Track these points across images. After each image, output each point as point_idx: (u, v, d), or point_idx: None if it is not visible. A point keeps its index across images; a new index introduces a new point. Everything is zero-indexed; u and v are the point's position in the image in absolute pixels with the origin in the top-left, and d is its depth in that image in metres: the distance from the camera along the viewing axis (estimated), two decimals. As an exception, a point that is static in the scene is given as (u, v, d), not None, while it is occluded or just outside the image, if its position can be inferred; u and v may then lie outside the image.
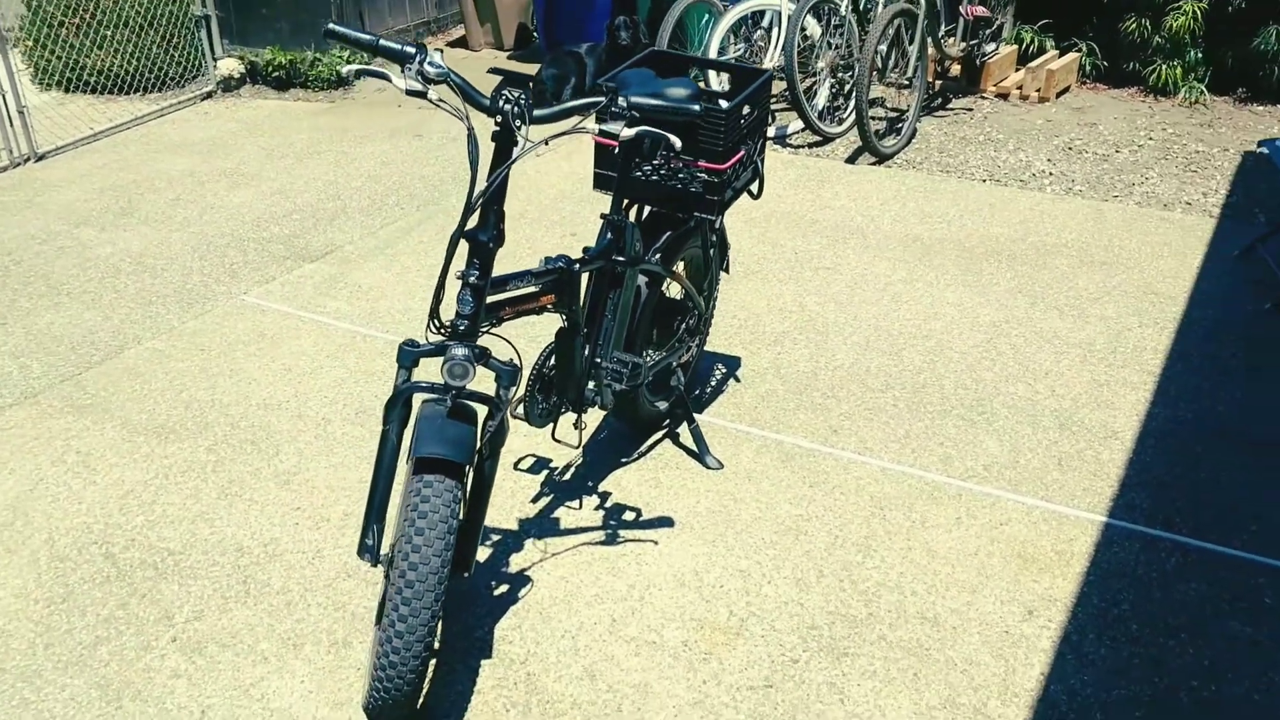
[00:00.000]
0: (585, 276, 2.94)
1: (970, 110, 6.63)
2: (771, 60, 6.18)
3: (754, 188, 3.34)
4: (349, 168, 6.01)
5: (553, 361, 2.96)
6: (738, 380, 3.85)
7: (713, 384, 3.83)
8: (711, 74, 5.99)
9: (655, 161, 3.10)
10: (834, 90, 6.30)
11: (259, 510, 3.23)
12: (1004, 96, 6.79)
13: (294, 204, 5.52)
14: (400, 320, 4.31)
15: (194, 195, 5.70)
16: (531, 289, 2.68)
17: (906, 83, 6.16)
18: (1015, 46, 7.06)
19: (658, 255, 3.14)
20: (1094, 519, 3.13)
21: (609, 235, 2.94)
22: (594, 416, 3.64)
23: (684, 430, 3.52)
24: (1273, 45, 6.46)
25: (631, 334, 3.12)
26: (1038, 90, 6.71)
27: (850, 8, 6.10)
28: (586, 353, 2.97)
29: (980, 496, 3.23)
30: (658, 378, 3.40)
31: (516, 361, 2.49)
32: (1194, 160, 5.87)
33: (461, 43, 8.52)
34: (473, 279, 2.39)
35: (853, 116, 6.31)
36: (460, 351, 2.32)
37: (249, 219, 5.35)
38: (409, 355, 2.43)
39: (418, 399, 2.42)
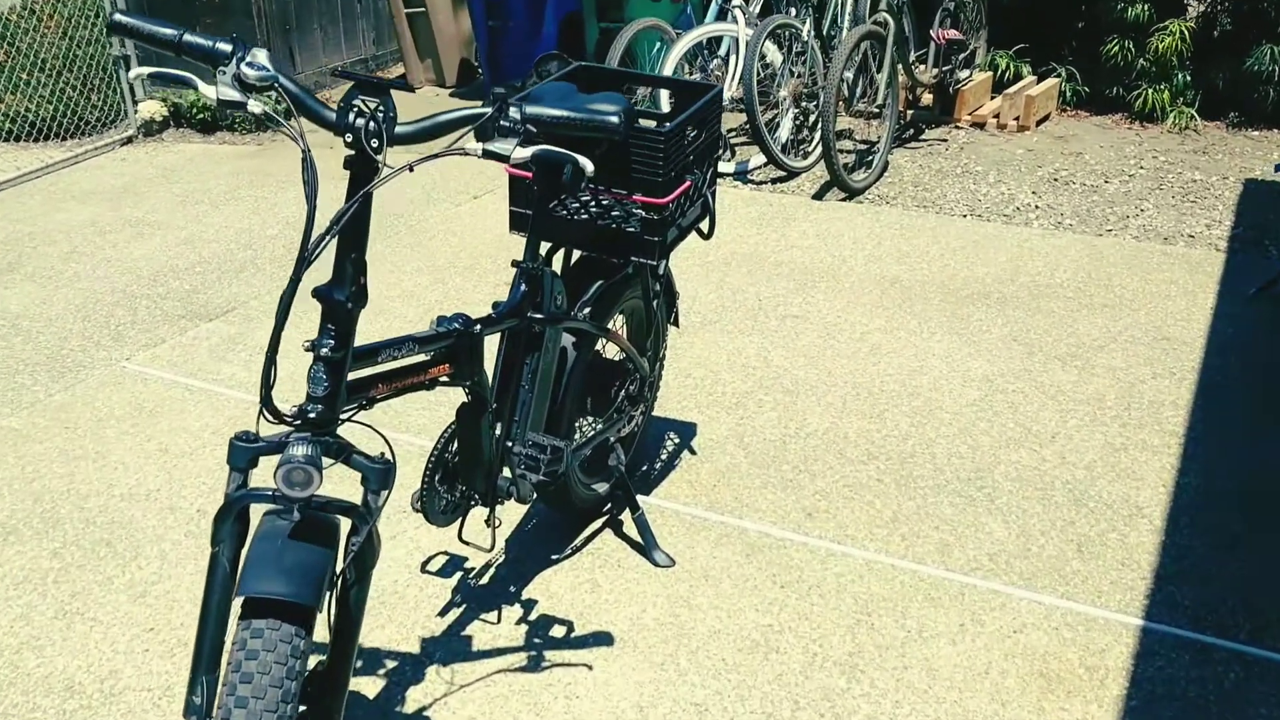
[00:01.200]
0: (495, 337, 2.37)
1: (945, 141, 6.14)
2: (730, 90, 5.67)
3: (704, 225, 2.78)
4: (267, 214, 5.43)
5: (455, 446, 2.37)
6: (693, 452, 3.27)
7: (663, 457, 3.25)
8: (662, 95, 5.47)
9: (582, 196, 2.54)
10: (798, 122, 5.80)
11: (102, 633, 2.61)
12: (980, 126, 6.31)
13: (200, 255, 4.92)
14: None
15: (91, 248, 5.09)
16: (418, 358, 2.10)
17: (875, 111, 5.67)
18: (990, 73, 6.59)
19: (587, 310, 2.57)
20: (1128, 622, 2.56)
21: (523, 287, 2.37)
22: (516, 507, 3.05)
23: (627, 518, 2.94)
24: (1267, 65, 6.02)
25: (556, 409, 2.54)
26: (1016, 118, 6.24)
27: (813, 33, 5.61)
28: (497, 434, 2.39)
29: (987, 595, 2.66)
30: (594, 456, 2.81)
31: (389, 456, 1.90)
32: (1191, 190, 5.39)
33: (402, 79, 7.99)
34: (325, 350, 1.81)
35: (819, 149, 5.81)
36: (300, 451, 1.73)
37: (146, 273, 4.74)
38: (243, 453, 1.84)
39: (257, 511, 1.82)
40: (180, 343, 4.08)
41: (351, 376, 1.87)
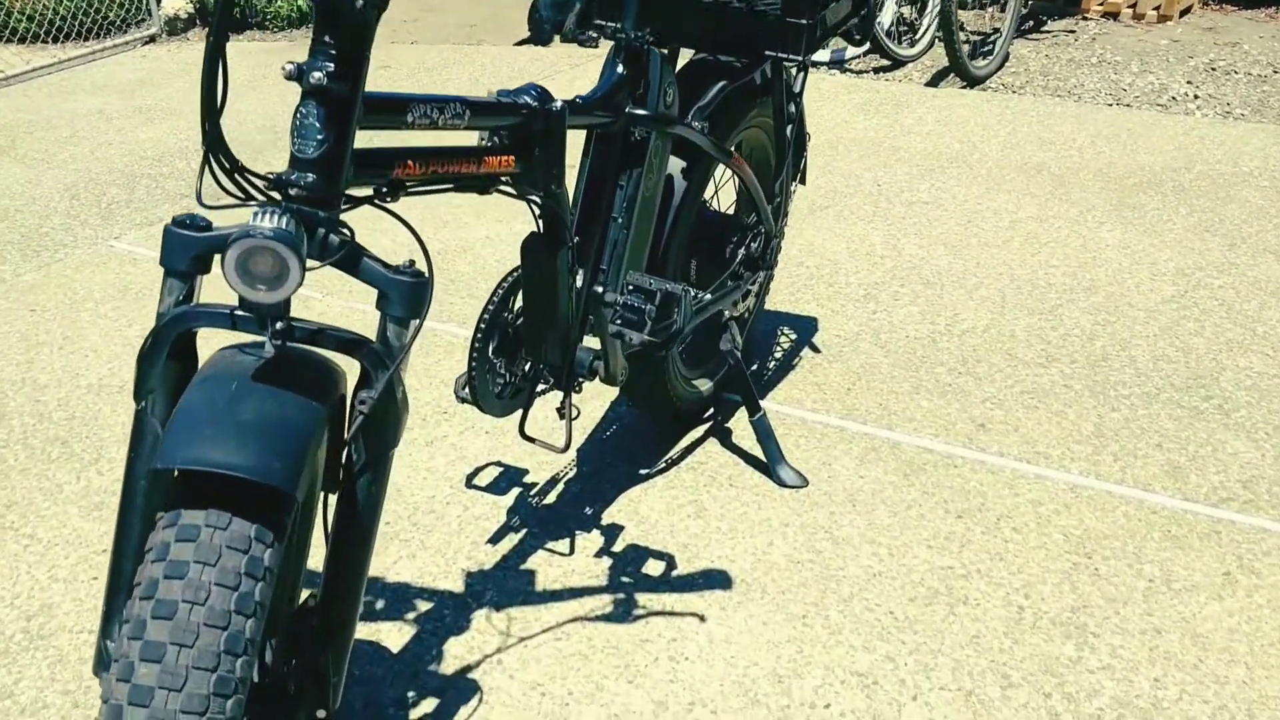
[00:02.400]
0: (576, 142, 1.64)
1: (1072, 32, 5.30)
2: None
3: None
4: (292, 100, 4.71)
5: (518, 300, 1.66)
6: (816, 350, 2.54)
7: (777, 356, 2.52)
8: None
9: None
10: (901, 4, 4.99)
11: (38, 554, 1.94)
12: (1113, 16, 5.46)
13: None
14: (326, 274, 3.01)
15: (93, 132, 4.42)
16: (467, 138, 1.38)
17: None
18: (1121, -40, 5.72)
19: (704, 121, 1.82)
20: None
21: (619, 68, 1.63)
22: (595, 396, 2.33)
23: (740, 424, 2.22)
24: None
25: (658, 255, 1.81)
26: (1157, 8, 5.39)
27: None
28: (579, 279, 1.66)
29: (1253, 535, 1.91)
30: (698, 336, 2.09)
31: (422, 266, 1.19)
32: (1378, 81, 4.53)
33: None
34: (320, 78, 1.09)
35: (927, 36, 5.00)
36: (268, 223, 1.02)
37: (151, 155, 4.06)
38: (185, 247, 1.13)
39: (209, 348, 1.12)
40: (181, 223, 3.39)
41: (364, 141, 1.16)
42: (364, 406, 1.13)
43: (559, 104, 1.44)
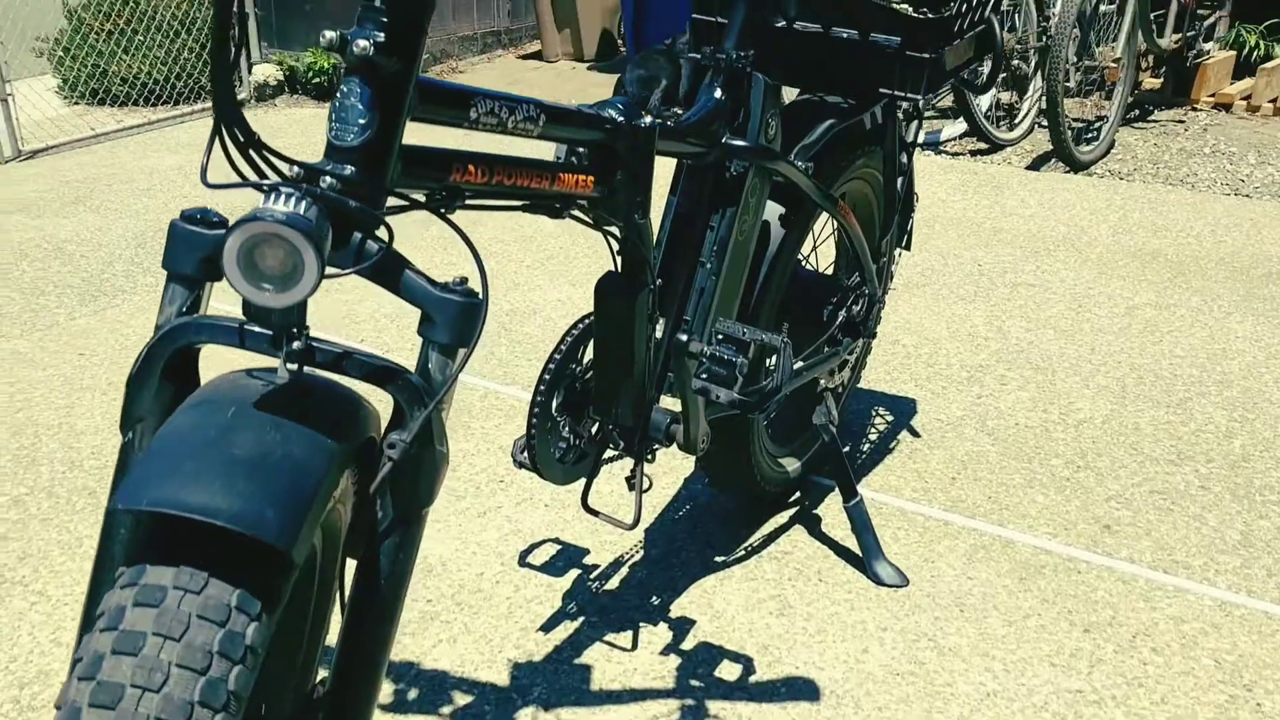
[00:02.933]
0: (664, 173, 1.44)
1: (1181, 122, 5.05)
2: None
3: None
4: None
5: (589, 349, 1.45)
6: (915, 434, 2.29)
7: (873, 439, 2.27)
8: None
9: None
10: (1003, 84, 4.79)
11: (44, 614, 1.75)
12: (1225, 108, 5.20)
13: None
14: (384, 326, 2.85)
15: (169, 187, 4.38)
16: (539, 157, 1.18)
17: (1094, 82, 4.62)
18: (1232, 52, 5.48)
19: (808, 162, 1.62)
20: None
21: (718, 92, 1.44)
22: (667, 470, 2.10)
23: (832, 511, 1.97)
24: None
25: (748, 304, 1.59)
26: (1273, 101, 5.12)
27: (1030, -18, 4.61)
28: (659, 329, 1.45)
29: None
30: (787, 409, 1.86)
31: (475, 286, 0.98)
32: None
33: (536, 56, 7.24)
34: (366, 46, 0.90)
35: (1028, 119, 4.79)
36: (281, 206, 0.82)
37: (226, 209, 3.96)
38: (191, 246, 0.94)
39: (213, 369, 0.92)
40: (244, 274, 3.26)
41: (416, 138, 0.96)
42: (394, 452, 0.92)
43: (649, 121, 1.24)
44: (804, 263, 1.90)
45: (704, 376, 1.40)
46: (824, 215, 1.78)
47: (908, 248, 2.07)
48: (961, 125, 4.71)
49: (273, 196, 0.82)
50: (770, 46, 1.63)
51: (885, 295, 1.99)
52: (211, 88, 0.85)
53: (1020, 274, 3.19)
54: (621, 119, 1.22)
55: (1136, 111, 5.22)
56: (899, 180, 1.84)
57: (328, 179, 0.90)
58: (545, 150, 1.24)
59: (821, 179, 1.65)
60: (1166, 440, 2.27)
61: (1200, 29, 5.13)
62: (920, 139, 4.74)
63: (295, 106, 6.32)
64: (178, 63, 6.18)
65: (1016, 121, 4.80)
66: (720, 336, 1.40)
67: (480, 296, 0.96)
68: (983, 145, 4.64)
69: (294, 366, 0.86)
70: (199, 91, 6.27)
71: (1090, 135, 4.59)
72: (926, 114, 5.14)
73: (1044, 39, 4.48)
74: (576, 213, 1.24)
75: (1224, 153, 4.56)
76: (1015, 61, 4.69)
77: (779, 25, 1.65)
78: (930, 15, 1.56)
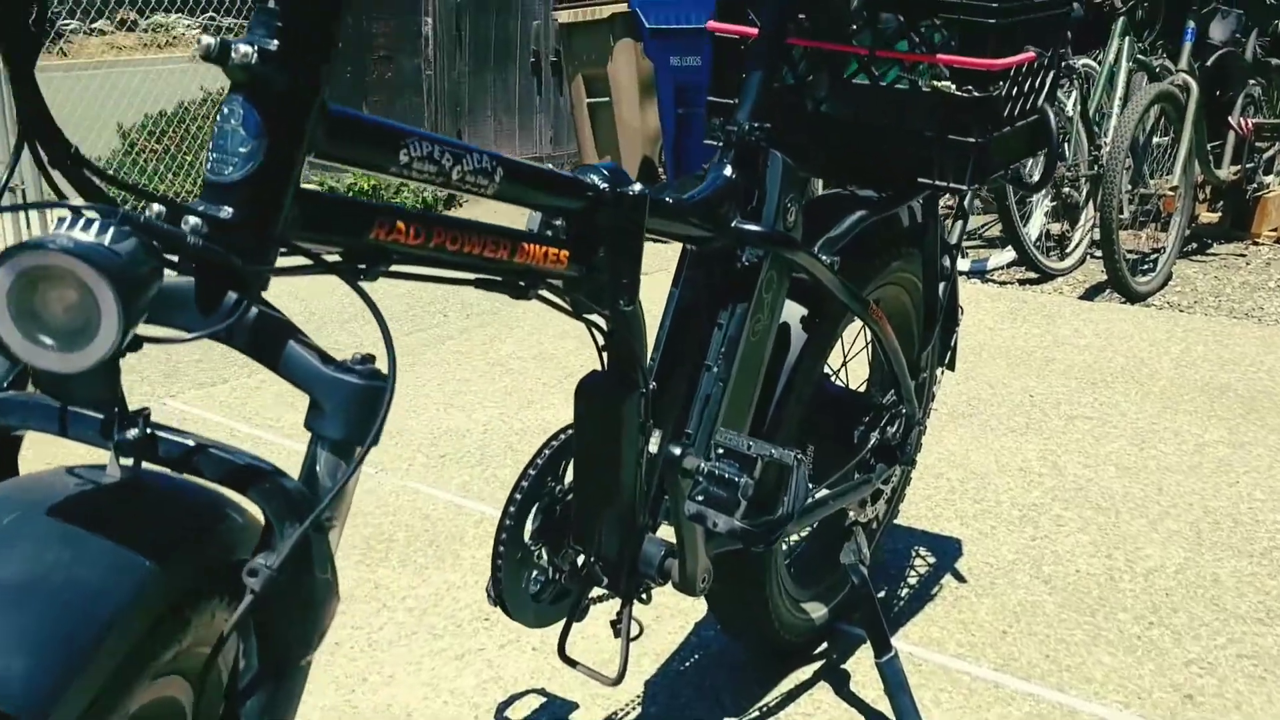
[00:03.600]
0: (657, 269, 1.24)
1: (1242, 256, 4.82)
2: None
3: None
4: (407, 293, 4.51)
5: (568, 467, 1.22)
6: (961, 580, 2.01)
7: (912, 583, 2.00)
8: None
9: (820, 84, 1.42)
10: (1053, 214, 4.61)
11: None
12: (1289, 242, 4.97)
13: (320, 304, 3.97)
14: (384, 444, 2.64)
15: (189, 296, 4.25)
16: (501, 220, 0.98)
17: (1149, 211, 4.42)
18: (1293, 187, 5.27)
19: (835, 257, 1.40)
20: None
21: (727, 169, 1.24)
22: (675, 613, 1.84)
23: (862, 666, 1.70)
24: None
25: (764, 419, 1.36)
26: (1339, 236, 4.88)
27: (1078, 107, 4.46)
28: (654, 442, 1.21)
29: None
30: (812, 545, 1.61)
31: (377, 364, 0.76)
32: None
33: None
34: (252, 57, 0.70)
35: (1079, 251, 4.58)
36: (80, 234, 0.61)
37: (237, 319, 3.82)
38: None
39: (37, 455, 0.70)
40: (247, 384, 3.09)
41: (309, 178, 0.76)
42: (255, 581, 0.69)
43: (638, 190, 1.04)
44: (833, 378, 1.68)
45: (700, 499, 1.16)
46: (855, 328, 1.56)
47: (951, 366, 1.83)
48: (1010, 254, 4.51)
49: (72, 219, 0.61)
50: (791, 129, 1.44)
51: (926, 417, 1.75)
52: (11, 86, 0.65)
53: (1076, 406, 2.93)
54: (605, 185, 1.02)
55: (1194, 245, 4.99)
56: (941, 287, 1.62)
57: (193, 220, 0.69)
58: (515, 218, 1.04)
59: (851, 279, 1.43)
60: (1252, 595, 1.97)
61: (1260, 161, 4.94)
62: (966, 267, 4.59)
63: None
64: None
65: (1068, 251, 4.59)
66: (721, 450, 1.17)
67: (386, 380, 0.74)
68: (1032, 275, 4.43)
69: (128, 461, 0.65)
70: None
71: (1146, 267, 4.37)
72: (973, 242, 4.95)
73: (1095, 167, 4.31)
74: (550, 295, 1.03)
75: (1290, 287, 4.31)
76: (1066, 189, 4.51)
77: (799, 106, 1.46)
78: (976, 94, 1.36)
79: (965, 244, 4.81)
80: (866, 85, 1.45)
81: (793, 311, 1.42)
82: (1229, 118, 4.72)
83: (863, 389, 1.79)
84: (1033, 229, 4.52)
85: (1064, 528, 2.23)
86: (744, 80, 1.27)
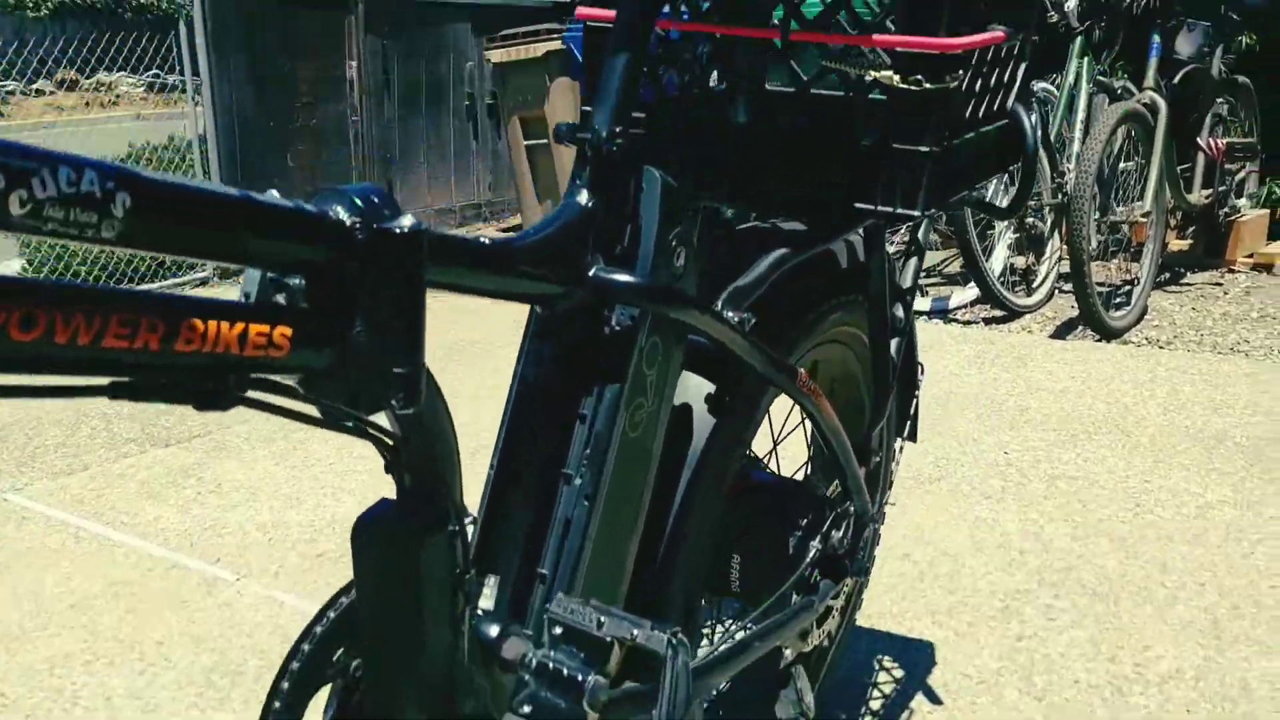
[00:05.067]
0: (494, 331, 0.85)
1: (1219, 284, 4.52)
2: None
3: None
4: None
5: (355, 640, 0.83)
6: (935, 700, 1.63)
7: (875, 709, 1.62)
8: None
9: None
10: (1015, 247, 4.30)
11: None
12: (1266, 269, 4.68)
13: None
14: (254, 542, 2.24)
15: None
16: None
17: (1119, 240, 4.11)
18: (1266, 210, 5.01)
19: (747, 313, 1.03)
20: None
21: (582, 196, 0.87)
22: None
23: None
24: None
25: (658, 543, 0.98)
26: (1318, 261, 4.60)
27: (1038, 132, 4.14)
28: (482, 601, 0.82)
29: None
30: (739, 691, 1.23)
31: None
32: None
33: (518, 229, 6.84)
34: None
35: (1046, 286, 4.27)
36: None
37: (120, 391, 3.41)
38: None
39: None
40: (108, 472, 2.67)
41: None
42: None
43: (410, 226, 0.66)
44: (761, 463, 1.30)
45: (525, 709, 0.78)
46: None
47: (913, 438, 1.47)
48: (973, 291, 4.19)
49: None
50: (682, 139, 1.08)
51: (883, 510, 1.38)
52: None
53: (1057, 464, 2.57)
54: (354, 219, 0.64)
55: (1167, 274, 4.70)
56: (894, 343, 1.26)
57: None
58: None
59: (773, 342, 1.06)
60: (1292, 705, 1.61)
61: (1231, 184, 4.66)
62: (926, 307, 4.25)
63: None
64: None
65: (1034, 286, 4.27)
66: (560, 630, 0.79)
67: None
68: (998, 312, 4.11)
69: None
70: (159, 270, 5.87)
71: (1120, 300, 4.05)
72: (932, 279, 4.63)
73: (1059, 195, 4.00)
74: (273, 399, 0.65)
75: (1274, 317, 4.00)
76: (1030, 220, 4.19)
77: (692, 108, 1.09)
78: (928, 86, 1.00)
79: (923, 282, 4.50)
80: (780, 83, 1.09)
81: (694, 388, 1.05)
82: (1198, 139, 4.43)
83: (802, 471, 1.42)
84: (996, 263, 4.20)
85: (1056, 621, 1.85)
86: (601, 72, 0.91)
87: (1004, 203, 1.45)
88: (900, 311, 1.26)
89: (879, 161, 1.04)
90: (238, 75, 6.10)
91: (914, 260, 1.29)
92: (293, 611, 1.96)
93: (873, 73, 1.02)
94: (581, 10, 1.13)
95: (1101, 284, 4.09)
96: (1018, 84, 1.21)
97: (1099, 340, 3.73)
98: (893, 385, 1.28)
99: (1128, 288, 4.09)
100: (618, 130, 0.86)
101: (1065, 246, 3.80)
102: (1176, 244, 4.97)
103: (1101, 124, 3.73)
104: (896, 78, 1.02)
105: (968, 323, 4.02)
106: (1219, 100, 4.50)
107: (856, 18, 1.04)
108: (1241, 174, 4.75)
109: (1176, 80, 4.14)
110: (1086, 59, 4.14)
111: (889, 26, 1.03)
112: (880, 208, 1.05)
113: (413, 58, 6.45)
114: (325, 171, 6.11)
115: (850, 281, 1.22)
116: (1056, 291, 4.26)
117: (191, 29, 5.86)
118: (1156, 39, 4.07)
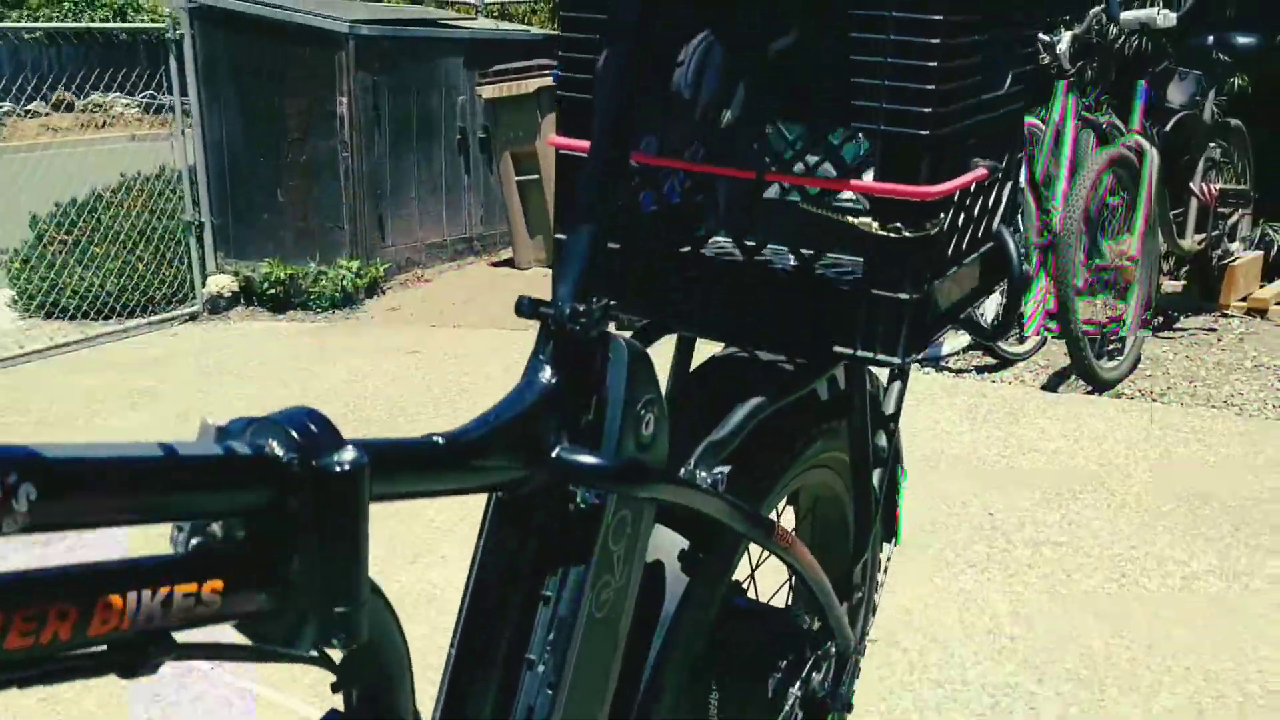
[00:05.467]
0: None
1: (1213, 330, 4.50)
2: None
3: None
4: (298, 386, 4.12)
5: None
6: (921, 807, 1.60)
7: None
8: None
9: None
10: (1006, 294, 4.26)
11: None
12: (1259, 313, 4.66)
13: (189, 428, 3.55)
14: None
15: (70, 417, 3.88)
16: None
17: (1108, 283, 4.09)
18: (1259, 253, 4.99)
19: (719, 466, 1.00)
20: None
21: (543, 373, 0.84)
22: None
23: None
24: None
25: (629, 709, 0.95)
26: (1311, 304, 4.59)
27: (1023, 176, 4.12)
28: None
29: None
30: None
31: None
32: None
33: (509, 263, 6.82)
34: None
35: (1041, 331, 4.25)
36: None
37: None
38: None
39: None
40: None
41: None
42: None
43: (352, 460, 0.63)
44: (740, 588, 1.27)
45: None
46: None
47: (896, 539, 1.44)
48: (964, 338, 4.17)
49: None
50: (652, 280, 1.06)
51: (868, 628, 1.35)
52: None
53: (1043, 528, 2.55)
54: (290, 454, 0.61)
55: (1160, 318, 4.68)
56: (876, 475, 1.23)
57: None
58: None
59: (749, 488, 1.03)
60: (1284, 815, 1.58)
61: (1225, 228, 4.65)
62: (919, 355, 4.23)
63: (250, 319, 5.90)
64: (129, 275, 5.79)
65: (1026, 334, 4.25)
66: None
67: None
68: (990, 360, 4.08)
69: None
70: (148, 304, 5.84)
71: (1112, 348, 4.02)
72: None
73: (1045, 235, 3.97)
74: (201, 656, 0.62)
75: (1268, 367, 3.98)
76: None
77: (665, 241, 1.07)
78: (908, 234, 0.98)
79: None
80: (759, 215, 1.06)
81: (666, 542, 1.02)
82: (1190, 184, 4.42)
83: (783, 604, 1.39)
84: (987, 311, 4.18)
85: (1042, 717, 1.82)
86: (564, 242, 0.88)
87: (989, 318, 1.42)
88: (883, 441, 1.23)
89: (858, 305, 1.01)
90: (228, 110, 6.08)
91: (897, 384, 1.26)
92: (266, 706, 1.92)
93: (850, 220, 1.00)
94: (552, 139, 1.11)
95: (1090, 321, 4.05)
96: (1003, 204, 1.19)
97: (1091, 392, 3.70)
98: (874, 521, 1.25)
99: (1115, 327, 4.05)
100: (581, 309, 0.83)
101: (1053, 285, 3.78)
102: (1171, 285, 4.96)
103: (1088, 170, 3.71)
104: (875, 224, 0.99)
105: (959, 371, 4.00)
106: (1211, 145, 4.49)
107: (833, 155, 1.02)
108: (1235, 218, 4.74)
109: (1168, 128, 4.12)
110: (1073, 95, 4.12)
111: (868, 165, 1.00)
112: (860, 353, 1.03)
113: (404, 93, 6.43)
114: (316, 206, 6.09)
115: (831, 410, 1.19)
116: (1049, 338, 4.23)
117: (182, 63, 5.84)
118: (1143, 85, 4.06)
